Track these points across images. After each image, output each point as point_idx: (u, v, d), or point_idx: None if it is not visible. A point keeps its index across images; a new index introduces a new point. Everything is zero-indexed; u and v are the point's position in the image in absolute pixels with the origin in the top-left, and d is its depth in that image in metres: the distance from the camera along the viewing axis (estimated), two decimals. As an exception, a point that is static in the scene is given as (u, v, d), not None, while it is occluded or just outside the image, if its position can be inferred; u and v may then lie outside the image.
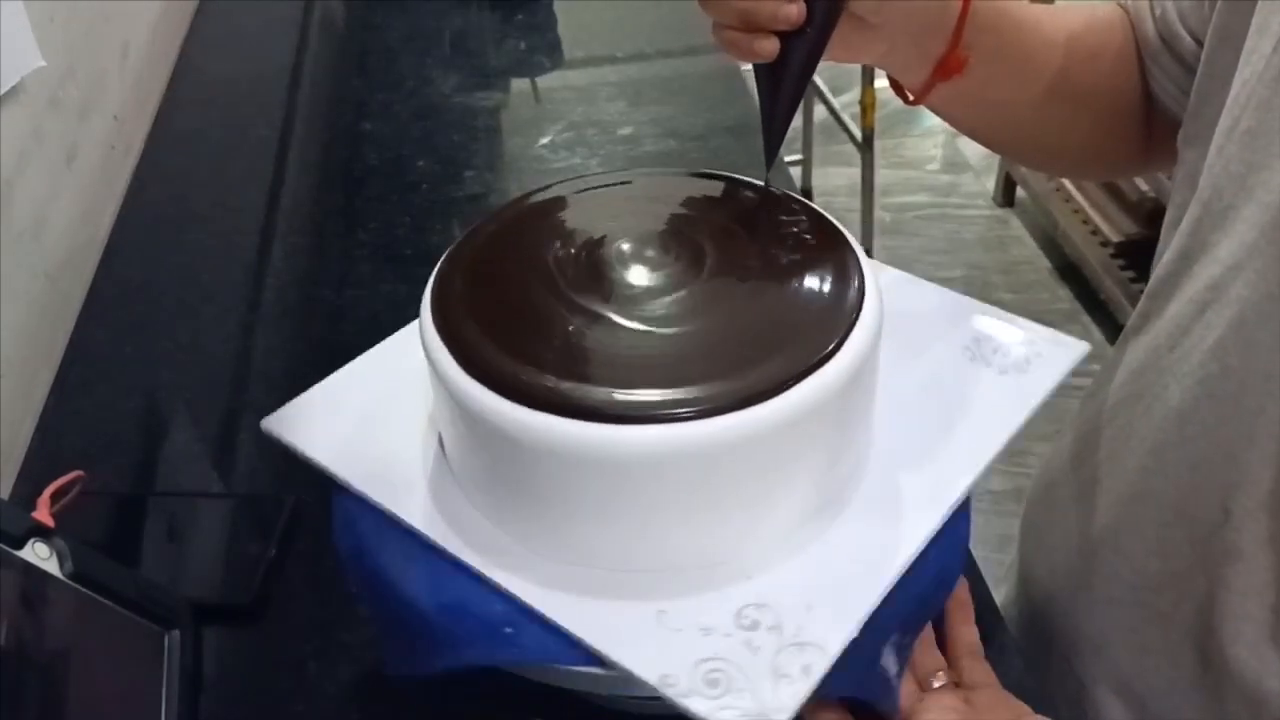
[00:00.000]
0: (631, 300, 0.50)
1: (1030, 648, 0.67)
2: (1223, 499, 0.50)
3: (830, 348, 0.47)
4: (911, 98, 0.59)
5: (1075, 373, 0.57)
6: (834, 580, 0.47)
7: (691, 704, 0.42)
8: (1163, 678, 0.56)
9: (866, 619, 0.46)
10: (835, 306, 0.49)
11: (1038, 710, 0.49)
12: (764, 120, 0.54)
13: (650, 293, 0.51)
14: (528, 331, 0.48)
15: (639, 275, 0.52)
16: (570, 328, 0.49)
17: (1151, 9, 0.59)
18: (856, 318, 0.48)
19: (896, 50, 0.55)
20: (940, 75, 0.56)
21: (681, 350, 0.47)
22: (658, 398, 0.45)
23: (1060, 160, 0.70)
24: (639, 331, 0.48)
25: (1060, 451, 0.66)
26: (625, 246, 0.53)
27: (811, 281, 0.51)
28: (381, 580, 0.49)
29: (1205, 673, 0.53)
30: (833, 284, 0.50)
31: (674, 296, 0.50)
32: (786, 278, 0.51)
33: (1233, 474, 0.49)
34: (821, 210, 0.56)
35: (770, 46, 0.50)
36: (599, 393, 0.45)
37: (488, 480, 0.51)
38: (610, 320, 0.49)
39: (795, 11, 0.49)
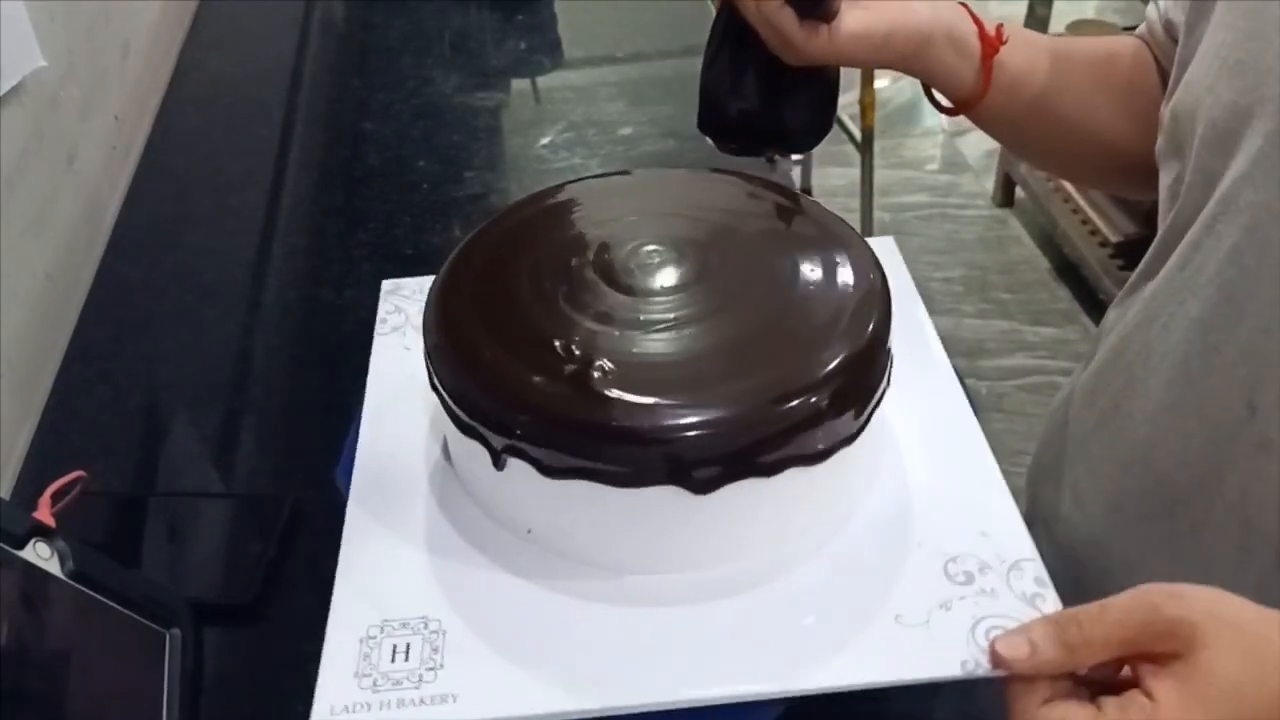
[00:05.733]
0: (643, 311, 0.50)
1: (1058, 590, 0.68)
2: (1247, 396, 0.52)
3: (865, 407, 0.47)
4: (975, 96, 0.62)
5: (1071, 356, 0.58)
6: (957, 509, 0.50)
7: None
8: (1202, 584, 0.56)
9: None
10: (859, 327, 0.49)
11: None
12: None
13: (661, 301, 0.50)
14: (534, 376, 0.47)
15: (648, 282, 0.51)
16: (578, 370, 0.47)
17: (1162, 19, 0.62)
18: (883, 377, 0.49)
19: (937, 20, 0.58)
20: (990, 50, 0.59)
21: (697, 381, 0.47)
22: (671, 455, 0.45)
23: (1103, 172, 0.73)
24: (652, 355, 0.48)
25: (1074, 390, 0.68)
26: (634, 251, 0.53)
27: (833, 290, 0.51)
28: None
29: (1247, 571, 0.53)
30: (852, 295, 0.50)
31: (685, 308, 0.50)
32: (804, 286, 0.51)
33: (1255, 369, 0.51)
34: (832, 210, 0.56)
35: None
36: (610, 453, 0.45)
37: (498, 506, 0.51)
38: (622, 340, 0.48)
39: None
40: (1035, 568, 0.48)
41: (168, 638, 0.54)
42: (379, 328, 0.63)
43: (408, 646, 0.46)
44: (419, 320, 0.57)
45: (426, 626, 0.47)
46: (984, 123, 0.65)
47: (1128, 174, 0.68)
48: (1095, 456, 0.63)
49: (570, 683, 0.45)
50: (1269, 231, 0.50)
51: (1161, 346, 0.57)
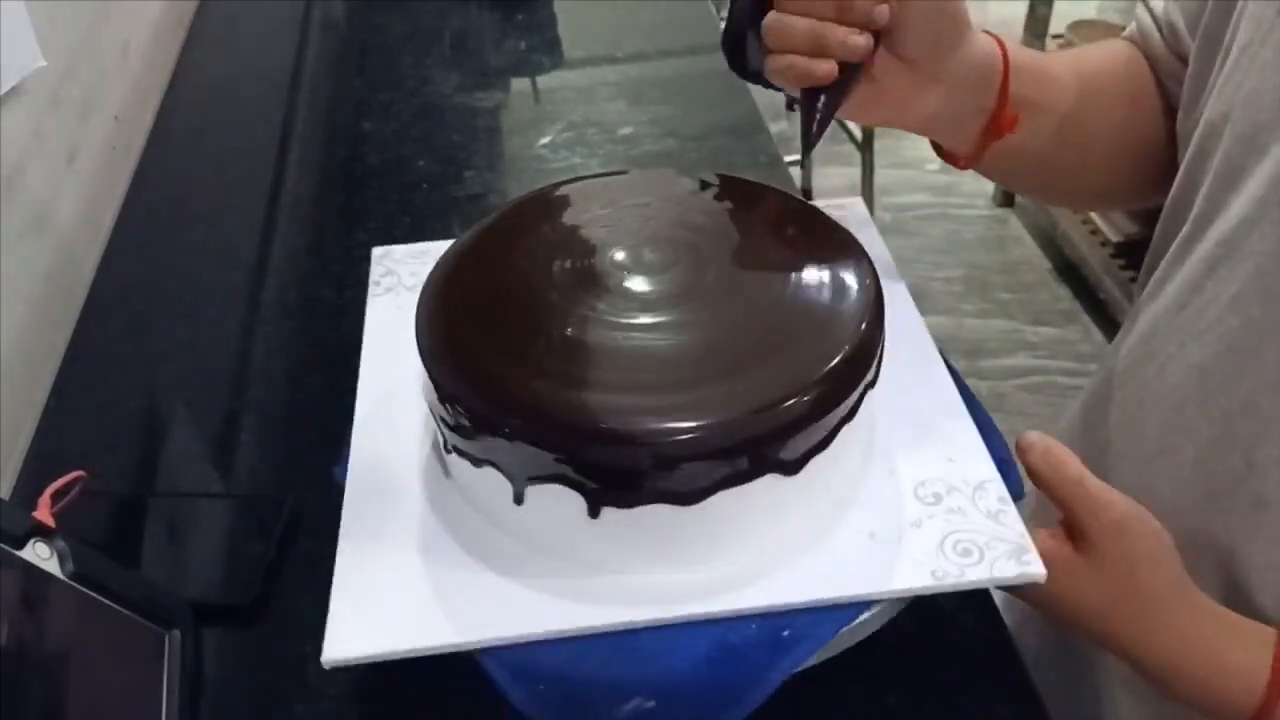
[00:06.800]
0: (634, 313, 0.50)
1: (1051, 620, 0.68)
2: (1246, 451, 0.51)
3: (854, 393, 0.47)
4: (963, 162, 0.61)
5: (1071, 356, 0.58)
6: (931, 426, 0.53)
7: (974, 576, 0.46)
8: None
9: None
10: (850, 330, 0.49)
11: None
12: (803, 131, 0.56)
13: (654, 303, 0.50)
14: (527, 374, 0.47)
15: (640, 283, 0.51)
16: (568, 369, 0.47)
17: (1157, 25, 0.61)
18: (873, 373, 0.49)
19: (945, 110, 0.57)
20: (993, 134, 0.58)
21: (687, 380, 0.46)
22: (660, 456, 0.44)
23: (1098, 199, 0.74)
24: (645, 353, 0.48)
25: (1068, 423, 0.67)
26: (626, 253, 0.53)
27: (824, 291, 0.50)
28: (614, 688, 0.46)
29: None
30: (845, 297, 0.50)
31: (678, 308, 0.50)
32: (797, 288, 0.51)
33: (1256, 425, 0.50)
34: (830, 215, 0.56)
35: (830, 68, 0.52)
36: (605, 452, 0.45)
37: (495, 510, 0.51)
38: (612, 338, 0.48)
39: (865, 41, 0.52)
40: (998, 487, 0.51)
41: (168, 638, 0.54)
42: (372, 290, 0.65)
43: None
44: (411, 281, 0.60)
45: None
46: (983, 173, 0.65)
47: (1128, 195, 0.68)
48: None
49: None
50: (1276, 284, 0.48)
51: (1158, 389, 0.56)
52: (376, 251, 0.68)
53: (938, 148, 0.62)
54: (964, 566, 0.47)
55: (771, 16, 0.53)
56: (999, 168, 0.62)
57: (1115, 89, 0.62)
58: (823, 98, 0.55)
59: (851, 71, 0.54)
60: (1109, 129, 0.62)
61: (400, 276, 0.65)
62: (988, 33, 0.58)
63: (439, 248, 0.61)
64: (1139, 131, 0.63)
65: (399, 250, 0.68)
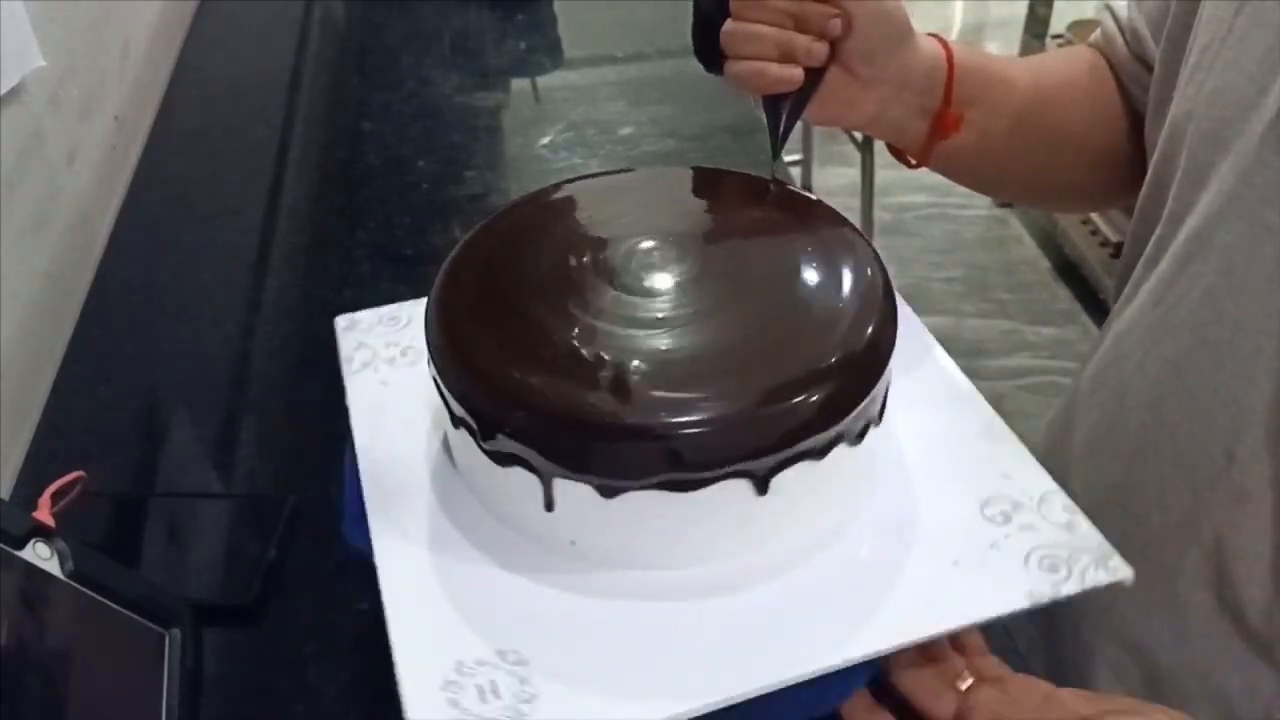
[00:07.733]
0: (645, 309, 0.49)
1: (1037, 618, 0.68)
2: (1226, 443, 0.51)
3: (866, 386, 0.47)
4: (914, 161, 0.62)
5: (1072, 356, 0.57)
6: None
7: (1069, 590, 0.45)
8: (1172, 630, 0.56)
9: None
10: (861, 324, 0.48)
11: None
12: (771, 134, 0.58)
13: (663, 299, 0.50)
14: (538, 374, 0.47)
15: (650, 279, 0.51)
16: (582, 362, 0.47)
17: (1120, 30, 0.62)
18: (883, 368, 0.48)
19: (888, 110, 0.58)
20: (938, 135, 0.59)
21: (699, 378, 0.46)
22: (672, 452, 0.44)
23: (1063, 201, 0.74)
24: (657, 349, 0.47)
25: (1053, 420, 0.67)
26: (635, 249, 0.53)
27: (836, 286, 0.50)
28: None
29: (1219, 619, 0.54)
30: (855, 290, 0.50)
31: (688, 305, 0.50)
32: (808, 284, 0.51)
33: (1235, 417, 0.50)
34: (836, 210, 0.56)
35: (798, 74, 0.54)
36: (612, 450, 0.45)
37: (499, 501, 0.51)
38: (623, 335, 0.48)
39: (825, 48, 0.54)
40: (1061, 498, 0.50)
41: (168, 638, 0.54)
42: (346, 367, 0.59)
43: (493, 684, 0.44)
44: (388, 354, 0.58)
45: (505, 659, 0.45)
46: (937, 171, 0.65)
47: (1093, 196, 0.68)
48: (1073, 491, 0.63)
49: (670, 688, 0.44)
50: (1245, 276, 0.49)
51: (1136, 385, 0.56)
52: (340, 322, 0.61)
53: (891, 146, 0.63)
54: (1056, 583, 0.46)
55: (734, 25, 0.54)
56: (951, 166, 0.63)
57: (1076, 92, 0.63)
58: (789, 102, 0.56)
59: (815, 76, 0.56)
60: (1068, 131, 0.63)
61: (376, 350, 0.60)
62: (934, 35, 0.59)
63: (410, 310, 0.60)
64: (1101, 134, 0.63)
65: (364, 317, 0.61)
